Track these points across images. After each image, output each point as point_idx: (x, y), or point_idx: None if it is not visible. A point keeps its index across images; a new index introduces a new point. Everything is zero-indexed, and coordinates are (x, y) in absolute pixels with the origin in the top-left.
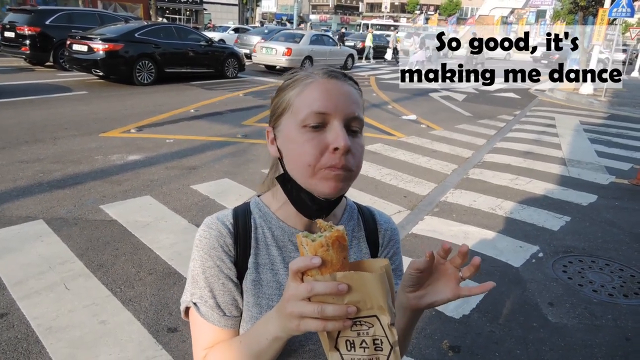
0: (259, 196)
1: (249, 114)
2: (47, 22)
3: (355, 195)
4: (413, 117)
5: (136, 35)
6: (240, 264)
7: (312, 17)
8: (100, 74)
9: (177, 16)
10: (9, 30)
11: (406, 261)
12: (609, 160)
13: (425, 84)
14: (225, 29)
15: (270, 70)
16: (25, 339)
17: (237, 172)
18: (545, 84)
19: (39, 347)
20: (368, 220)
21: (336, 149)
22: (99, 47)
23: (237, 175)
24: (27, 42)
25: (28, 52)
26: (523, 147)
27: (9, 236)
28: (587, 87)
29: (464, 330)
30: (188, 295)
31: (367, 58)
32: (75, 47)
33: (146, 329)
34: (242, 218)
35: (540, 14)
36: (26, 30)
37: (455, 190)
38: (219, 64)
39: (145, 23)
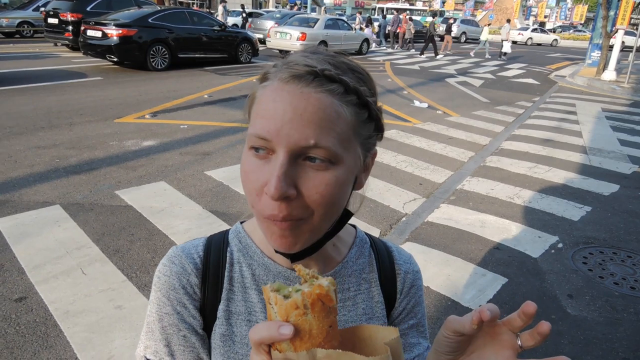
0: (242, 222)
1: None
2: (88, 9)
3: (369, 182)
4: (425, 104)
5: (149, 20)
6: (207, 310)
7: (326, 0)
8: (115, 59)
9: (190, 1)
10: (53, 16)
11: (420, 250)
12: (632, 149)
13: (441, 69)
14: (238, 13)
15: (285, 55)
16: (43, 322)
17: None
18: (565, 69)
19: (57, 331)
20: (383, 258)
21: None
22: (113, 32)
23: None
24: (70, 28)
25: (71, 37)
26: (542, 134)
27: (27, 221)
28: (609, 74)
29: None
30: (141, 348)
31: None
32: (90, 32)
33: None
34: (216, 250)
35: None
36: (69, 17)
37: (472, 178)
38: (233, 49)
39: (159, 8)
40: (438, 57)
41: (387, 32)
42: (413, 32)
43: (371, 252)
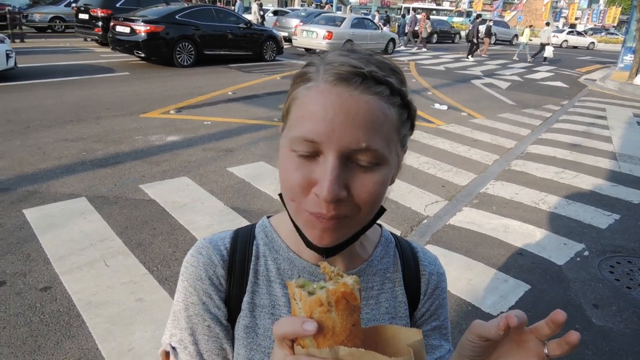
0: (269, 217)
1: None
2: (118, 5)
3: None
4: (445, 106)
5: (177, 17)
6: (232, 302)
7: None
8: (142, 55)
9: None
10: (84, 12)
11: (441, 254)
12: None
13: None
14: (264, 11)
15: (311, 53)
16: (67, 312)
17: (273, 155)
18: (596, 73)
19: (79, 321)
20: (408, 258)
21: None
22: (141, 28)
23: (272, 159)
24: (100, 23)
25: (100, 33)
26: (570, 139)
27: (54, 212)
28: None
29: None
30: (167, 335)
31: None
32: (119, 28)
33: None
34: (242, 243)
35: None
36: (99, 13)
37: (496, 182)
38: (258, 46)
39: (186, 5)
40: (470, 58)
41: (405, 31)
42: (429, 31)
43: (396, 251)
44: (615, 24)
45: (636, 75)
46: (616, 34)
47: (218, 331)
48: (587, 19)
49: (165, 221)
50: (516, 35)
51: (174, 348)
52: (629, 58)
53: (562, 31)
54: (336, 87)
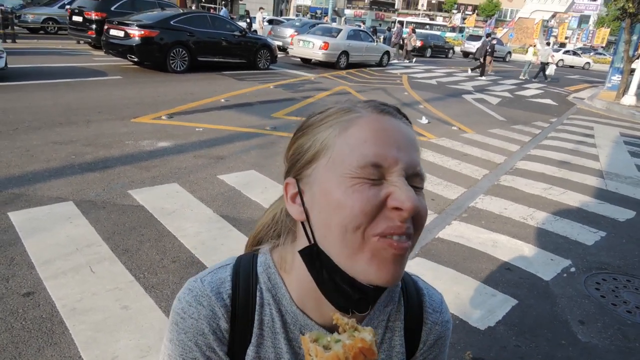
0: (271, 249)
1: (279, 106)
2: (113, 8)
3: None
4: (425, 120)
5: (172, 22)
6: (235, 353)
7: (347, 11)
8: (135, 59)
9: (213, 5)
10: (77, 14)
11: (429, 267)
12: None
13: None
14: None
15: (306, 63)
16: (49, 318)
17: (264, 164)
18: (584, 92)
19: (62, 328)
20: (412, 305)
21: (398, 208)
22: (135, 33)
23: (264, 168)
24: (94, 26)
25: (94, 35)
26: (558, 156)
27: (40, 216)
28: (629, 98)
29: (489, 343)
30: None
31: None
32: (113, 32)
33: (167, 316)
34: (245, 287)
35: (584, 20)
36: (93, 15)
37: (486, 196)
38: (252, 54)
39: (182, 11)
40: (482, 77)
41: (391, 44)
42: (414, 44)
43: (401, 296)
44: (603, 45)
45: (623, 95)
46: (604, 54)
47: None
48: (577, 38)
49: (154, 227)
50: (509, 53)
51: None
52: (616, 78)
53: (558, 50)
54: (383, 115)
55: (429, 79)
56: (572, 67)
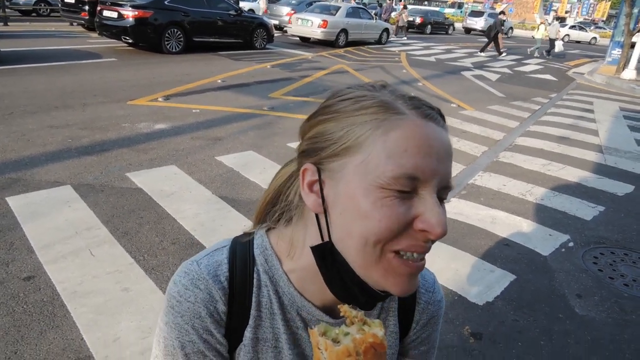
0: (268, 230)
1: (276, 86)
2: None
3: None
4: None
5: (166, 2)
6: (233, 334)
7: None
8: (130, 41)
9: None
10: None
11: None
12: None
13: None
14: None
15: (305, 42)
16: (50, 302)
17: (262, 144)
18: (584, 66)
19: (64, 311)
20: None
21: (425, 230)
22: (129, 13)
23: (262, 148)
24: (86, 7)
25: (87, 17)
26: (558, 131)
27: (38, 200)
28: (629, 72)
29: (487, 318)
30: None
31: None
32: (106, 13)
33: None
34: (242, 269)
35: None
36: None
37: (485, 173)
38: (248, 34)
39: None
40: (501, 56)
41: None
42: (406, 20)
43: None
44: (604, 18)
45: (623, 69)
46: (604, 28)
47: None
48: (577, 12)
49: (152, 210)
50: (511, 28)
51: None
52: (617, 52)
53: (564, 25)
54: (429, 122)
55: (428, 56)
56: (578, 42)
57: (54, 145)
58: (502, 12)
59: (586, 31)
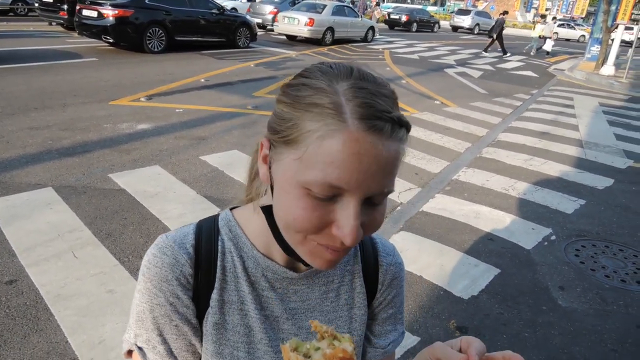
0: (232, 209)
1: (260, 84)
2: None
3: None
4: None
5: (147, 1)
6: (200, 299)
7: None
8: (110, 40)
9: None
10: None
11: (414, 240)
12: (628, 144)
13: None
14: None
15: (291, 40)
16: (34, 305)
17: (246, 143)
18: (564, 63)
19: (47, 315)
20: (367, 250)
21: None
22: (109, 12)
23: (246, 147)
24: (65, 7)
25: (65, 17)
26: (539, 127)
27: (18, 203)
28: (608, 68)
29: (472, 311)
30: (132, 335)
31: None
32: (85, 12)
33: None
34: (207, 239)
35: None
36: None
37: (468, 169)
38: (231, 33)
39: None
40: (505, 56)
41: None
42: (378, 17)
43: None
44: (583, 16)
45: (602, 65)
46: (583, 26)
47: (186, 329)
48: (557, 10)
49: (136, 211)
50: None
51: (140, 348)
52: (595, 49)
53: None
54: (369, 135)
55: (411, 54)
56: (567, 40)
57: (34, 147)
58: (505, 12)
59: (574, 29)
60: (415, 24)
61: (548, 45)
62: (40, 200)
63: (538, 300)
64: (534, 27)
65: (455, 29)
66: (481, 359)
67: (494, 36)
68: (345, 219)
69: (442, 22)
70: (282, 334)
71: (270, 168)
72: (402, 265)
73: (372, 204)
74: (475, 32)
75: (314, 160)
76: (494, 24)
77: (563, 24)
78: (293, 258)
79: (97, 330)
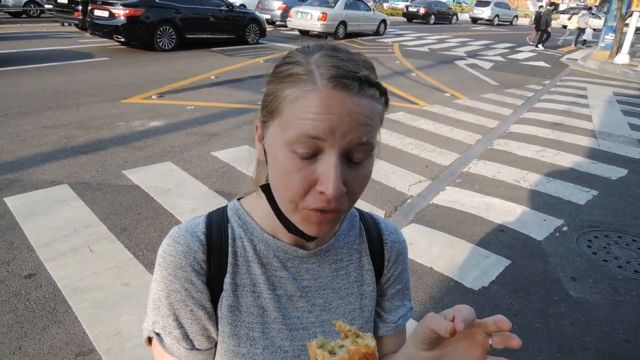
0: (239, 199)
1: None
2: None
3: (375, 163)
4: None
5: (156, 0)
6: (214, 283)
7: None
8: (122, 39)
9: None
10: None
11: (424, 232)
12: None
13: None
14: None
15: (304, 35)
16: (52, 298)
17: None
18: (577, 52)
19: (65, 307)
20: (372, 229)
21: (323, 192)
22: (120, 12)
23: None
24: (80, 7)
25: (80, 17)
26: (551, 118)
27: (36, 200)
28: (622, 57)
29: (483, 302)
30: (150, 322)
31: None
32: (97, 12)
33: None
34: (217, 227)
35: None
36: None
37: (479, 161)
38: (240, 29)
39: None
40: (539, 47)
41: None
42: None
43: (361, 224)
44: (597, 4)
45: (616, 54)
46: (596, 14)
47: (201, 314)
48: None
49: (150, 206)
50: (516, 16)
51: (157, 334)
52: (609, 37)
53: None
54: (338, 92)
55: (421, 47)
56: (594, 30)
57: (50, 145)
58: (553, 3)
59: (599, 18)
60: (433, 16)
61: (589, 35)
62: (56, 196)
63: (549, 291)
64: (571, 19)
65: (474, 20)
66: (473, 325)
67: (548, 29)
68: (326, 171)
69: (464, 15)
70: (296, 312)
71: (264, 145)
72: (405, 243)
73: (354, 163)
74: (495, 23)
75: (291, 120)
76: (538, 16)
77: (593, 14)
78: (296, 234)
79: (113, 321)
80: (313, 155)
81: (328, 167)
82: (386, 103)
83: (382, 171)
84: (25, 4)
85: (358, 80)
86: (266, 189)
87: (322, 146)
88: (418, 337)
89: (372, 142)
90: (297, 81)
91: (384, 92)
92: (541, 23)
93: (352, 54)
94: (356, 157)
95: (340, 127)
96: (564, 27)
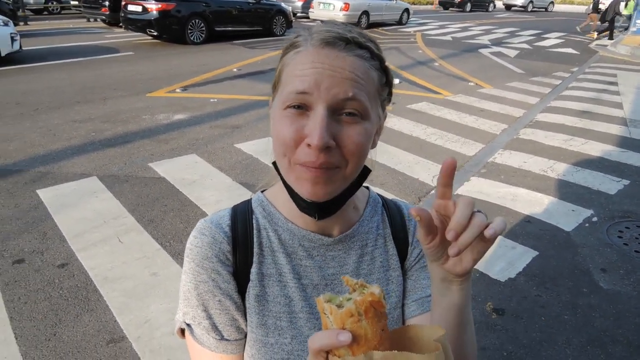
0: (263, 191)
1: None
2: None
3: (399, 154)
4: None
5: None
6: (240, 274)
7: None
8: (155, 33)
9: None
10: None
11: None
12: None
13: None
14: None
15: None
16: (84, 287)
17: None
18: (607, 38)
19: (97, 296)
20: (394, 215)
21: (310, 145)
22: (152, 6)
23: None
24: (107, 3)
25: (107, 13)
26: (580, 106)
27: (67, 192)
28: None
29: (509, 293)
30: (181, 314)
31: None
32: (130, 7)
33: None
34: (242, 219)
35: None
36: None
37: (504, 151)
38: (267, 21)
39: None
40: (598, 36)
41: None
42: None
43: (383, 210)
44: None
45: None
46: None
47: (229, 304)
48: None
49: (176, 198)
50: (552, 3)
51: (188, 325)
52: None
53: None
54: (324, 49)
55: (444, 35)
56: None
57: (79, 139)
58: None
59: None
60: (469, 3)
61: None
62: (86, 189)
63: (578, 282)
64: (626, 5)
65: (508, 7)
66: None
67: (610, 18)
68: (312, 123)
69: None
70: None
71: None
72: None
73: (346, 120)
74: (529, 9)
75: (286, 80)
76: (596, 4)
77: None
78: (304, 210)
79: (142, 310)
80: (304, 109)
81: (314, 119)
82: (386, 73)
83: (405, 162)
84: (46, 1)
85: (344, 40)
86: (275, 167)
87: (310, 101)
88: (432, 258)
89: (360, 99)
90: (291, 49)
91: (377, 57)
92: (608, 13)
93: (350, 26)
94: (346, 114)
95: (325, 80)
96: (617, 14)
